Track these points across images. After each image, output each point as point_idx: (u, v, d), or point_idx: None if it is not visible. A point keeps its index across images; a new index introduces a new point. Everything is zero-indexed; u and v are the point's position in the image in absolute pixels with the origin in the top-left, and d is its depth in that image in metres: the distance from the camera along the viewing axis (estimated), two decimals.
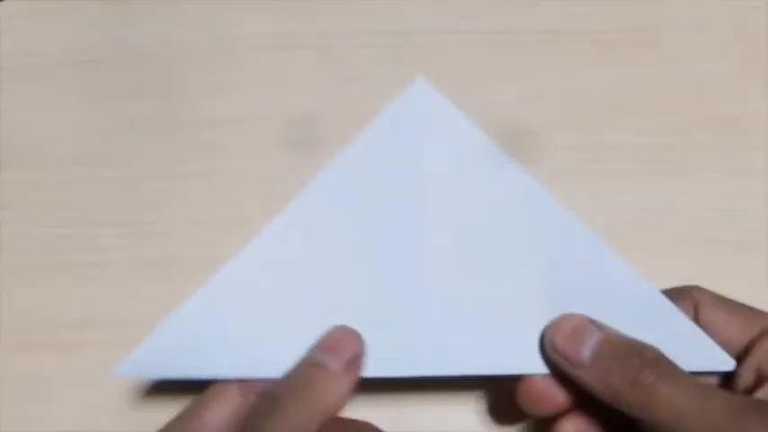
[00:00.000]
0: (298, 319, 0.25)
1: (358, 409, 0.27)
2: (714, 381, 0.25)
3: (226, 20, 0.37)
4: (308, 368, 0.24)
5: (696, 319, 0.25)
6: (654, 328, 0.24)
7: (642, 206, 0.32)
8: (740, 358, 0.24)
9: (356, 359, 0.24)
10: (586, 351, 0.23)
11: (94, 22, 0.37)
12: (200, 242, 0.32)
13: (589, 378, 0.23)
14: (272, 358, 0.24)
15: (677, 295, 0.25)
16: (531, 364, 0.25)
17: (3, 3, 0.37)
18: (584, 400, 0.24)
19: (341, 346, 0.24)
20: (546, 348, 0.24)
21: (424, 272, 0.26)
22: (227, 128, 0.34)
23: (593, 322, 0.24)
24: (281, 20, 0.37)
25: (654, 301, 0.25)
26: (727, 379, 0.24)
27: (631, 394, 0.22)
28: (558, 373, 0.24)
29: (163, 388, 0.30)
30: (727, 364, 0.24)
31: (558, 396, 0.24)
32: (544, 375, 0.24)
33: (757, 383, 0.23)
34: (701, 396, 0.22)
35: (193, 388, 0.26)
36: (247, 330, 0.25)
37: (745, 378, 0.24)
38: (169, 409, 0.28)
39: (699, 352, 0.24)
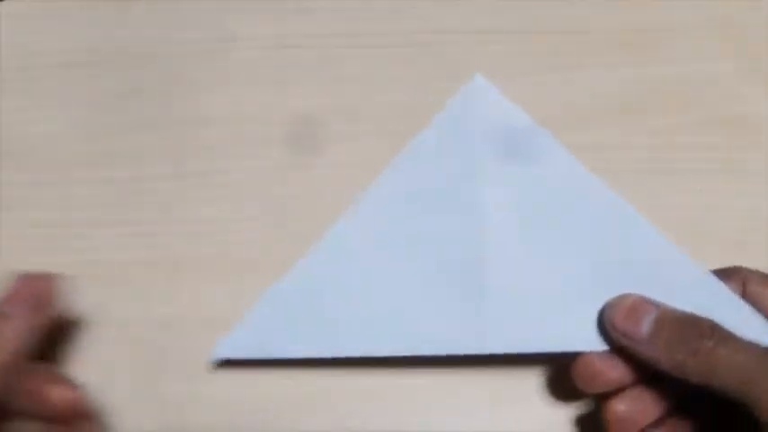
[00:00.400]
0: (377, 301, 0.27)
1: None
2: None
3: (226, 20, 0.37)
4: None
5: (744, 294, 0.26)
6: (705, 305, 0.25)
7: (642, 206, 0.32)
8: None
9: (34, 301, 0.25)
10: (645, 327, 0.25)
11: (94, 22, 0.37)
12: (201, 242, 0.32)
13: (650, 352, 0.24)
14: (356, 337, 0.27)
15: (727, 274, 0.27)
16: (589, 341, 0.26)
17: (3, 3, 0.37)
18: (636, 378, 0.26)
19: (18, 292, 0.25)
20: (606, 326, 0.26)
21: (484, 257, 0.27)
22: (228, 128, 0.34)
23: (648, 300, 0.26)
24: (281, 20, 0.37)
25: (704, 280, 0.26)
26: None
27: (694, 363, 0.23)
28: (616, 349, 0.26)
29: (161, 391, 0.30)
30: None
31: (611, 373, 0.26)
32: (599, 354, 0.26)
33: None
34: (765, 357, 0.23)
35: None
36: (334, 311, 0.27)
37: None
38: (168, 410, 0.28)
39: (749, 327, 0.25)
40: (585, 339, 0.26)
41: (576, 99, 0.35)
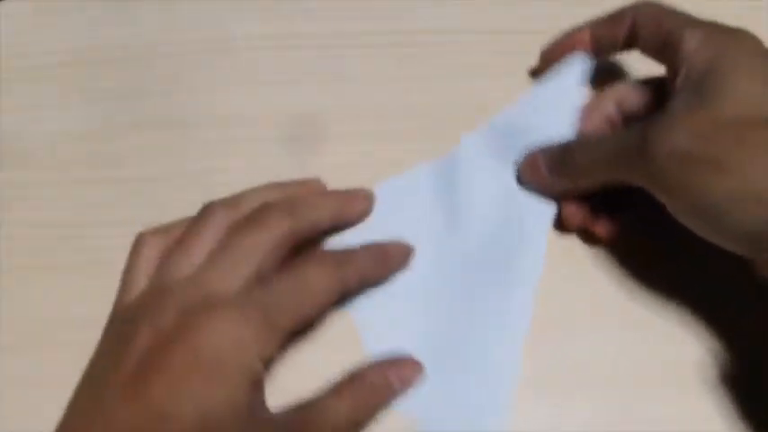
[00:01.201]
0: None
1: None
2: None
3: (226, 20, 0.37)
4: None
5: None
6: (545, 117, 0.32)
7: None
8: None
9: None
10: (545, 171, 0.30)
11: (94, 22, 0.37)
12: None
13: (559, 186, 0.30)
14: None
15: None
16: (547, 214, 0.31)
17: (3, 2, 0.37)
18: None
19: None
20: (534, 193, 0.31)
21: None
22: (228, 127, 0.34)
23: (533, 150, 0.31)
24: (281, 20, 0.37)
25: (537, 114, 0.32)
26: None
27: (588, 176, 0.29)
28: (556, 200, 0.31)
29: None
30: (583, 63, 0.32)
31: (580, 214, 0.31)
32: (571, 212, 0.31)
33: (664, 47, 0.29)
34: (615, 140, 0.28)
35: None
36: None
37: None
38: None
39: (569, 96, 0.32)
40: (546, 212, 0.31)
41: None
